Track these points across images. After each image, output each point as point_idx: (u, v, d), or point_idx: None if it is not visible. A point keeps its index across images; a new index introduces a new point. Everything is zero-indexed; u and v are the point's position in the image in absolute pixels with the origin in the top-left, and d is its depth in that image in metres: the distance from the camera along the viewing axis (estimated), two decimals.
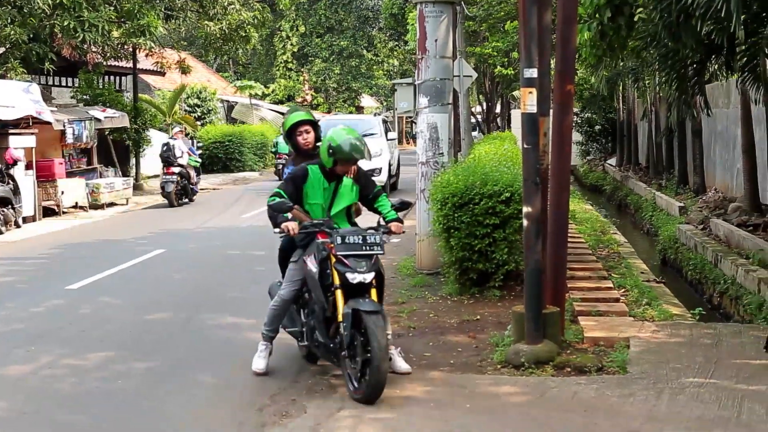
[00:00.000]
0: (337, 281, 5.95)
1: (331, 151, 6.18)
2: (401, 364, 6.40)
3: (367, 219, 6.79)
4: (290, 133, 6.89)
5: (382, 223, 6.42)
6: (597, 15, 10.27)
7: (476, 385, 6.13)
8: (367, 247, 6.01)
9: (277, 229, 6.22)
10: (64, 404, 6.04)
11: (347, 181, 6.42)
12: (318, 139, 6.85)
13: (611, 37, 10.55)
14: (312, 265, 6.12)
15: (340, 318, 5.87)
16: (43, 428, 5.61)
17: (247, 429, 5.46)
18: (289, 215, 6.20)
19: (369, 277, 5.93)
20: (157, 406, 5.97)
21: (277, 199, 6.19)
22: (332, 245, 5.99)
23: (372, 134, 21.67)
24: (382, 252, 6.09)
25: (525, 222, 6.70)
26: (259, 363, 6.52)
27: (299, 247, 6.39)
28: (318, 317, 6.15)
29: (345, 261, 5.93)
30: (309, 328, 6.35)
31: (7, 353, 7.34)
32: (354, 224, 6.56)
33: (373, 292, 5.99)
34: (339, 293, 5.94)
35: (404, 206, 6.50)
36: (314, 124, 6.96)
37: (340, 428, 5.35)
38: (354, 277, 5.89)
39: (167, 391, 6.31)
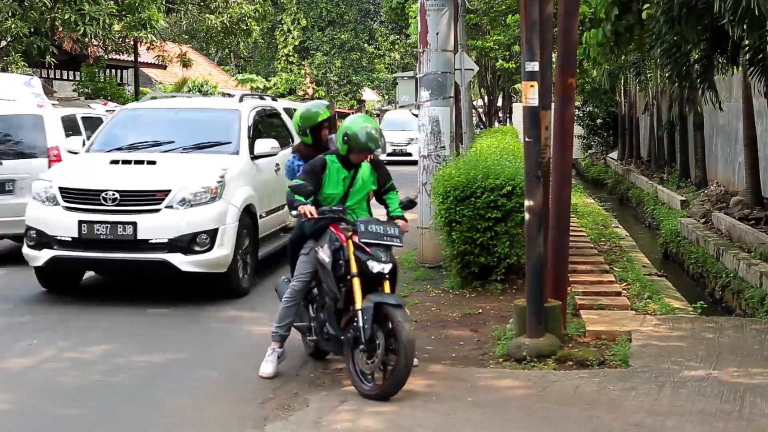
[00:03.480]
0: (354, 269, 5.88)
1: (346, 138, 6.16)
2: None
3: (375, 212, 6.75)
4: (315, 128, 7.00)
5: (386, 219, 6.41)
6: (608, 16, 10.19)
7: (478, 379, 6.14)
8: (388, 238, 5.99)
9: (295, 212, 6.17)
10: (65, 397, 6.04)
11: (365, 167, 6.37)
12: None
13: (623, 36, 10.48)
14: (325, 255, 6.04)
15: (357, 306, 5.79)
16: (44, 421, 5.61)
17: (249, 422, 5.46)
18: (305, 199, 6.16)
19: (388, 267, 5.90)
20: (159, 400, 5.97)
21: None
22: (353, 232, 5.95)
23: (227, 143, 9.78)
24: (400, 244, 6.08)
25: (527, 215, 6.69)
26: (267, 367, 6.32)
27: (309, 238, 6.30)
28: (329, 309, 6.08)
29: (367, 249, 5.90)
30: (319, 323, 6.27)
31: (10, 346, 7.33)
32: (371, 214, 6.54)
33: (386, 284, 5.93)
34: (356, 281, 5.87)
35: (411, 204, 6.50)
36: (332, 119, 7.16)
37: (342, 421, 5.35)
38: (375, 266, 5.85)
39: (169, 384, 6.31)
